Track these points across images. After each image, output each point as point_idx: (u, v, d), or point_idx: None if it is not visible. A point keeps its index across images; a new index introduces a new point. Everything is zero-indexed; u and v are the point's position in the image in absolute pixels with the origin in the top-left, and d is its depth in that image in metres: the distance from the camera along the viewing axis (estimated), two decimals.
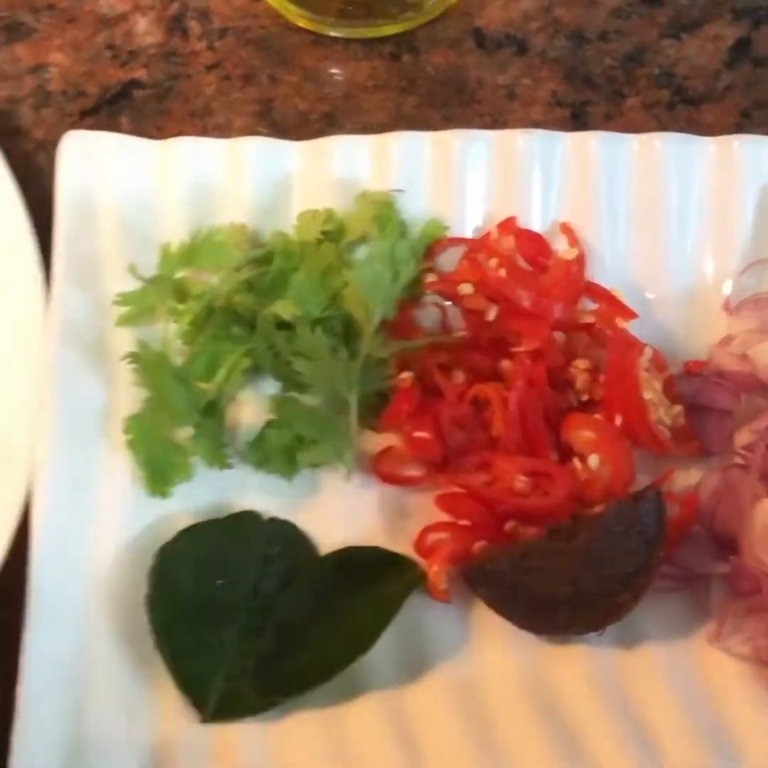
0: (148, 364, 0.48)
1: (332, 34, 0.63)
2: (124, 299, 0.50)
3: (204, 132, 0.60)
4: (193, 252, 0.50)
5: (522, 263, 0.53)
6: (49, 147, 0.59)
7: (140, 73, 0.62)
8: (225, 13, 0.63)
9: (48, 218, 0.54)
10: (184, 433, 0.48)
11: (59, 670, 0.44)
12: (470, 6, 0.64)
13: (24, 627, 0.44)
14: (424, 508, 0.50)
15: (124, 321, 0.50)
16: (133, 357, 0.48)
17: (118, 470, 0.48)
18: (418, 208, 0.54)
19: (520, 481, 0.49)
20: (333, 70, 0.62)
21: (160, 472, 0.48)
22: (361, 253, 0.52)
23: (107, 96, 0.61)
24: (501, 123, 0.61)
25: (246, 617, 0.46)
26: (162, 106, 0.61)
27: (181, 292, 0.50)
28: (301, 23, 0.63)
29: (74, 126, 0.60)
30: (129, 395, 0.49)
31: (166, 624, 0.45)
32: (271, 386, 0.51)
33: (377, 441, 0.51)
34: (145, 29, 0.63)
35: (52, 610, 0.45)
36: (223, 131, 0.60)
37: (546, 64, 0.63)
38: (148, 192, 0.53)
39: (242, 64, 0.62)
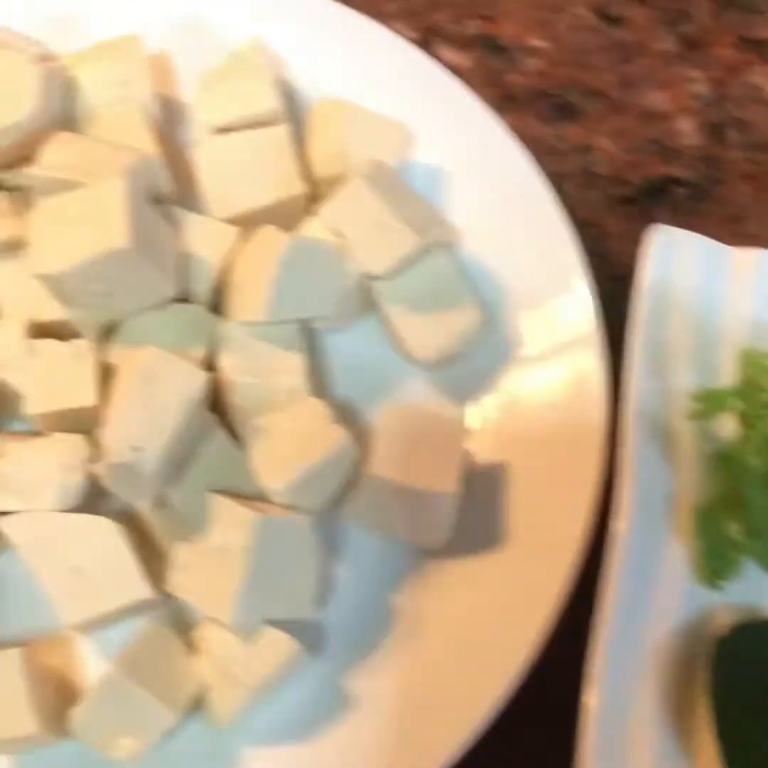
0: (724, 460, 0.50)
1: None
2: (702, 396, 0.52)
3: (735, 238, 0.62)
4: None
5: None
6: (590, 226, 0.63)
7: (679, 171, 0.65)
8: (764, 126, 0.66)
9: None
10: (741, 531, 0.50)
11: (612, 734, 0.47)
12: None
13: (581, 691, 0.47)
14: None
15: (697, 415, 0.52)
16: (713, 452, 0.50)
17: (677, 555, 0.51)
18: None
19: None
20: None
21: (716, 565, 0.50)
22: None
23: (646, 187, 0.65)
24: None
25: None
26: (696, 206, 0.64)
27: (747, 399, 0.52)
28: None
29: (615, 211, 0.63)
30: (693, 484, 0.52)
31: (725, 711, 0.47)
32: None
33: None
34: (687, 130, 0.66)
35: (610, 678, 0.47)
36: (754, 240, 0.62)
37: None
38: (717, 293, 0.56)
39: None
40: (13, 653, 0.49)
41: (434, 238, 0.57)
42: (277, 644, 0.50)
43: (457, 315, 0.57)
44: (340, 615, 0.54)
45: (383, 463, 0.52)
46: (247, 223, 0.58)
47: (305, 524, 0.50)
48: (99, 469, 0.51)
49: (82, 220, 0.52)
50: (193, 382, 0.50)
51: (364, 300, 0.60)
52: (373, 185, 0.56)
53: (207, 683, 0.50)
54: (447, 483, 0.52)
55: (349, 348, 0.60)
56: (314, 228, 0.57)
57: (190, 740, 0.51)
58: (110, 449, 0.48)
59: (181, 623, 0.53)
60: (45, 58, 0.60)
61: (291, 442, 0.52)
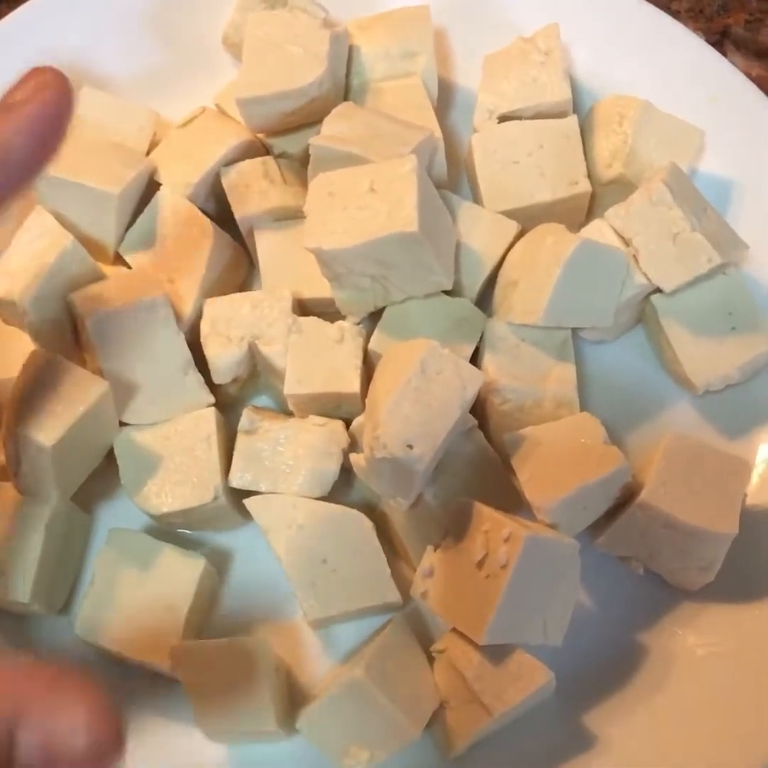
0: None
1: None
2: None
3: None
4: None
5: None
6: None
7: None
8: None
9: None
10: None
11: None
12: None
13: None
14: None
15: None
16: None
17: None
18: None
19: None
20: None
21: None
22: None
23: None
24: None
25: None
26: None
27: None
28: None
29: None
30: None
31: None
32: None
33: None
34: None
35: None
36: None
37: None
38: None
39: None
40: (266, 641, 0.47)
41: (732, 257, 0.53)
42: (531, 672, 0.46)
43: (746, 342, 0.53)
44: (581, 647, 0.50)
45: (659, 494, 0.48)
46: (521, 218, 0.55)
47: (575, 549, 0.47)
48: (359, 460, 0.48)
49: (368, 198, 0.49)
50: (472, 382, 0.47)
51: (637, 313, 0.56)
52: (674, 193, 0.52)
53: (447, 702, 0.48)
54: (728, 524, 0.48)
55: (610, 362, 0.56)
56: (598, 231, 0.54)
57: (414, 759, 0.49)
58: (383, 444, 0.45)
59: (419, 630, 0.50)
60: (330, 23, 0.57)
61: (561, 457, 0.49)
